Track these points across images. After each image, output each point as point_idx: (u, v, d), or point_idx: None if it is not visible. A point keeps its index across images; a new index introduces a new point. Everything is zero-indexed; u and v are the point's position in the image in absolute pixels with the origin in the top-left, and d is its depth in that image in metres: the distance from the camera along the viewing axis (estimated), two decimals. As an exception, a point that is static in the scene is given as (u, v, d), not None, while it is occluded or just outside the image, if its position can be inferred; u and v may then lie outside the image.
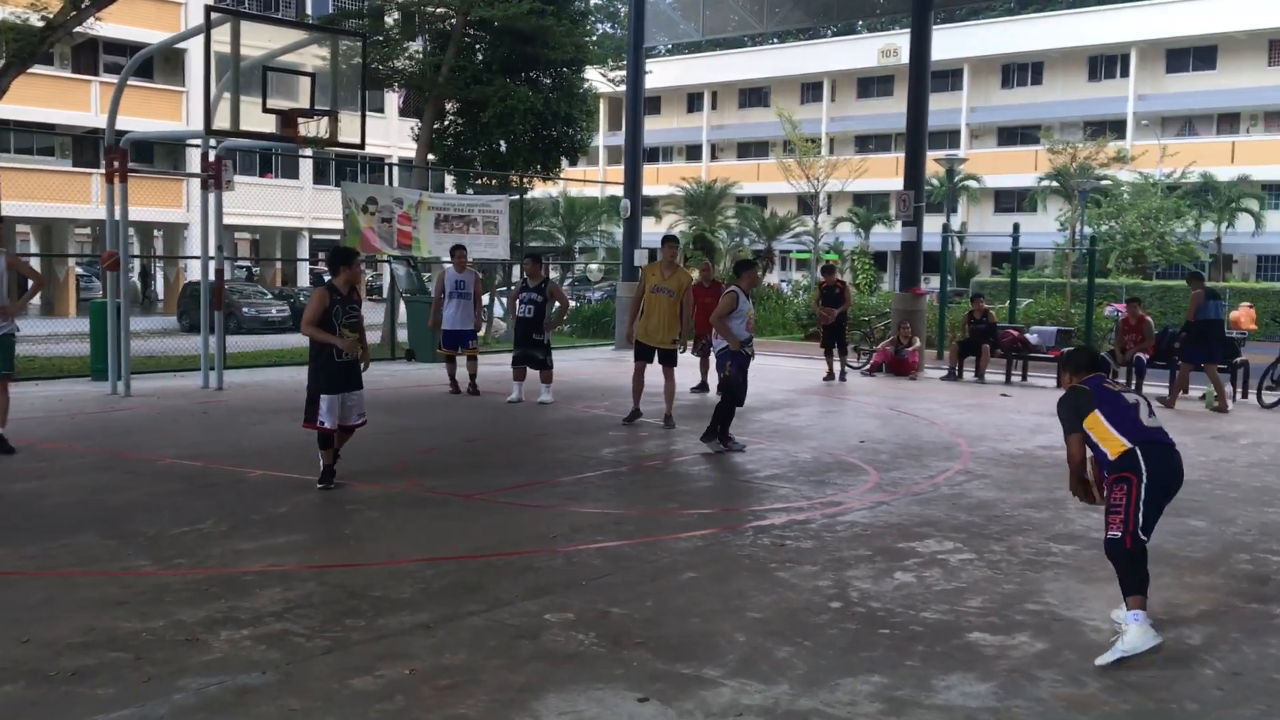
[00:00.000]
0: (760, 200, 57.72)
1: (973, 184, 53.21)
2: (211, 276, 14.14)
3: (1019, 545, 7.04)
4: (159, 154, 40.69)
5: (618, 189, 26.11)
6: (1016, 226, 21.47)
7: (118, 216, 13.16)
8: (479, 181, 25.67)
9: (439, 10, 24.96)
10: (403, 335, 19.97)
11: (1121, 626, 5.11)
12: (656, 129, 67.72)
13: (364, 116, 12.53)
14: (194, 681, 4.54)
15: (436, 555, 6.53)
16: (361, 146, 12.47)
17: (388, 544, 6.84)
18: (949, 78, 57.75)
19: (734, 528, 7.37)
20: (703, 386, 15.03)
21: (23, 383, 14.00)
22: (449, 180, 28.57)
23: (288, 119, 11.82)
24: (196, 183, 38.28)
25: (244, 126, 11.49)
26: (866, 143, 59.14)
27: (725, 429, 10.22)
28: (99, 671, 4.63)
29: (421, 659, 4.85)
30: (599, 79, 27.65)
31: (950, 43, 56.07)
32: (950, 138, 57.06)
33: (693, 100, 66.14)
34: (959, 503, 8.31)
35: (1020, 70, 56.44)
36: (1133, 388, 15.82)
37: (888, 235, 47.82)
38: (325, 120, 12.15)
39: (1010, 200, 55.31)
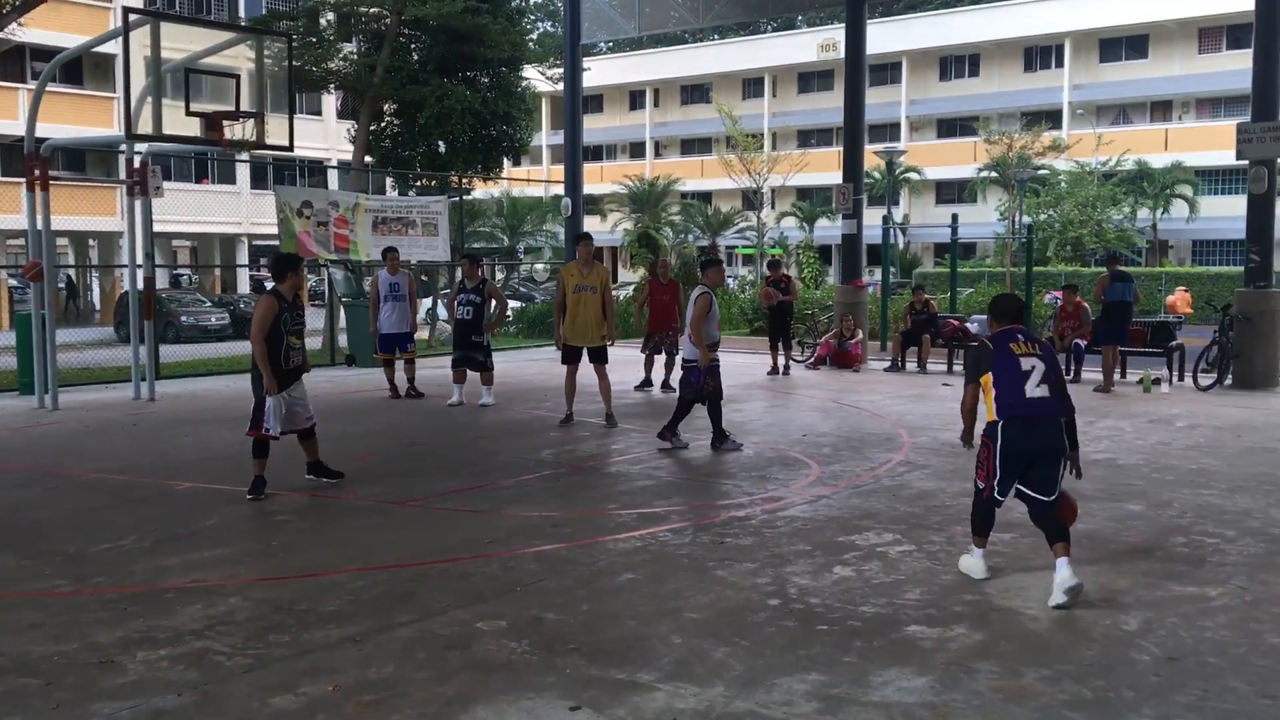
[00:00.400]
0: (705, 197, 57.82)
1: (914, 176, 53.66)
2: (141, 285, 13.79)
3: (958, 535, 7.00)
4: (92, 161, 39.89)
5: (560, 188, 25.96)
6: (955, 217, 21.59)
7: (40, 226, 12.79)
8: (419, 183, 25.36)
9: (373, 10, 24.66)
10: (342, 340, 19.68)
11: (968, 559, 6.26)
12: (599, 127, 67.69)
13: (292, 118, 12.30)
14: (105, 707, 4.36)
15: (368, 565, 6.37)
16: (290, 149, 12.22)
17: (318, 555, 6.66)
18: (888, 71, 58.21)
19: (673, 527, 7.28)
20: (647, 383, 14.94)
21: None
22: (389, 183, 28.26)
23: (213, 122, 11.57)
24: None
25: (168, 130, 11.21)
26: (809, 137, 59.44)
27: (674, 427, 10.25)
28: (4, 701, 4.44)
29: (347, 674, 4.70)
30: (539, 78, 27.50)
31: (888, 36, 56.51)
32: (890, 130, 57.47)
33: (635, 98, 66.09)
34: (899, 494, 8.28)
35: (958, 62, 56.97)
36: (1071, 374, 16.05)
37: (832, 229, 47.94)
38: (252, 123, 11.91)
39: (951, 191, 55.85)
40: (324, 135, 42.73)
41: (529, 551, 6.66)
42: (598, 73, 66.73)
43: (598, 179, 56.05)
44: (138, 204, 13.59)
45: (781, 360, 16.91)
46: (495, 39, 23.83)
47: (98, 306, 42.07)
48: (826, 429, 11.50)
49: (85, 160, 40.15)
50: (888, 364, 17.83)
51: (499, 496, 8.26)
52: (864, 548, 6.74)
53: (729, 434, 10.35)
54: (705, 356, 10.08)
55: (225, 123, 11.70)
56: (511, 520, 7.48)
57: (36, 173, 12.48)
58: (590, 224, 55.97)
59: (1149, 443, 10.58)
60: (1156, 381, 15.03)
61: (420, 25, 24.27)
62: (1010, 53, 54.88)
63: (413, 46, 24.96)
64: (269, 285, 8.62)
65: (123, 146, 13.27)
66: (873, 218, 47.96)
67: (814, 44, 56.93)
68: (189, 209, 34.31)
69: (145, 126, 11.15)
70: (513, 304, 32.86)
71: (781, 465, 9.46)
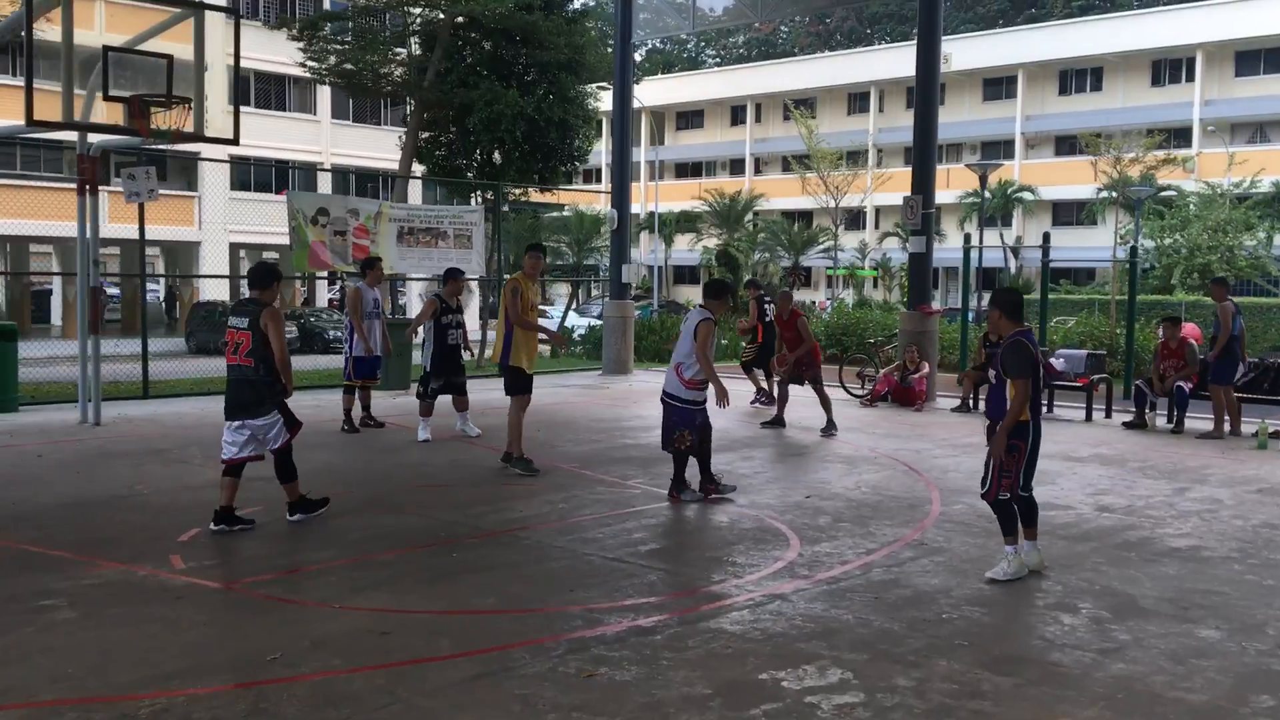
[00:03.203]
0: (806, 215, 55.36)
1: (1027, 196, 50.48)
2: (66, 293, 12.35)
3: (935, 677, 4.87)
4: (174, 169, 39.62)
5: (641, 206, 24.08)
6: (1046, 236, 19.06)
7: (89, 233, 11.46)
8: (477, 197, 23.75)
9: (419, 10, 23.26)
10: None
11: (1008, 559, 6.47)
12: (699, 143, 66.03)
13: (238, 109, 10.75)
14: None
15: (86, 694, 4.55)
16: (235, 142, 10.66)
17: (41, 667, 4.87)
18: (1002, 85, 55.21)
19: (541, 642, 5.29)
20: (780, 420, 13.18)
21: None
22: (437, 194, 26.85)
23: (138, 109, 10.00)
24: (210, 201, 37.53)
25: (79, 117, 9.66)
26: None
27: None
28: None
29: None
30: (602, 88, 25.71)
31: (1003, 49, 53.61)
32: (1004, 147, 54.37)
33: (736, 112, 64.02)
34: (885, 596, 6.14)
35: (1079, 76, 53.55)
36: (1174, 422, 13.52)
37: (940, 251, 45.30)
38: (187, 111, 10.33)
39: (1070, 213, 52.44)
40: (316, 138, 41.71)
41: (309, 679, 4.75)
42: (699, 87, 65.19)
43: (694, 195, 54.22)
44: (87, 203, 12.04)
45: (764, 385, 15.39)
46: (550, 40, 22.16)
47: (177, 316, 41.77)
48: (841, 488, 9.34)
49: (168, 169, 39.94)
50: (957, 404, 15.48)
51: (359, 579, 6.38)
52: (789, 696, 4.66)
53: (689, 485, 8.72)
54: (721, 388, 8.52)
55: (154, 110, 10.10)
56: (337, 620, 5.59)
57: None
58: (681, 243, 54.33)
59: (1251, 524, 8.17)
60: (1276, 435, 12.44)
61: (473, 25, 22.77)
62: (1136, 66, 51.33)
63: (465, 50, 23.43)
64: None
65: (93, 139, 11.76)
66: (987, 238, 45.26)
67: (924, 56, 54.13)
68: (262, 219, 33.44)
69: (50, 113, 9.61)
70: (581, 323, 31.25)
71: (753, 541, 7.37)
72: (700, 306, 8.84)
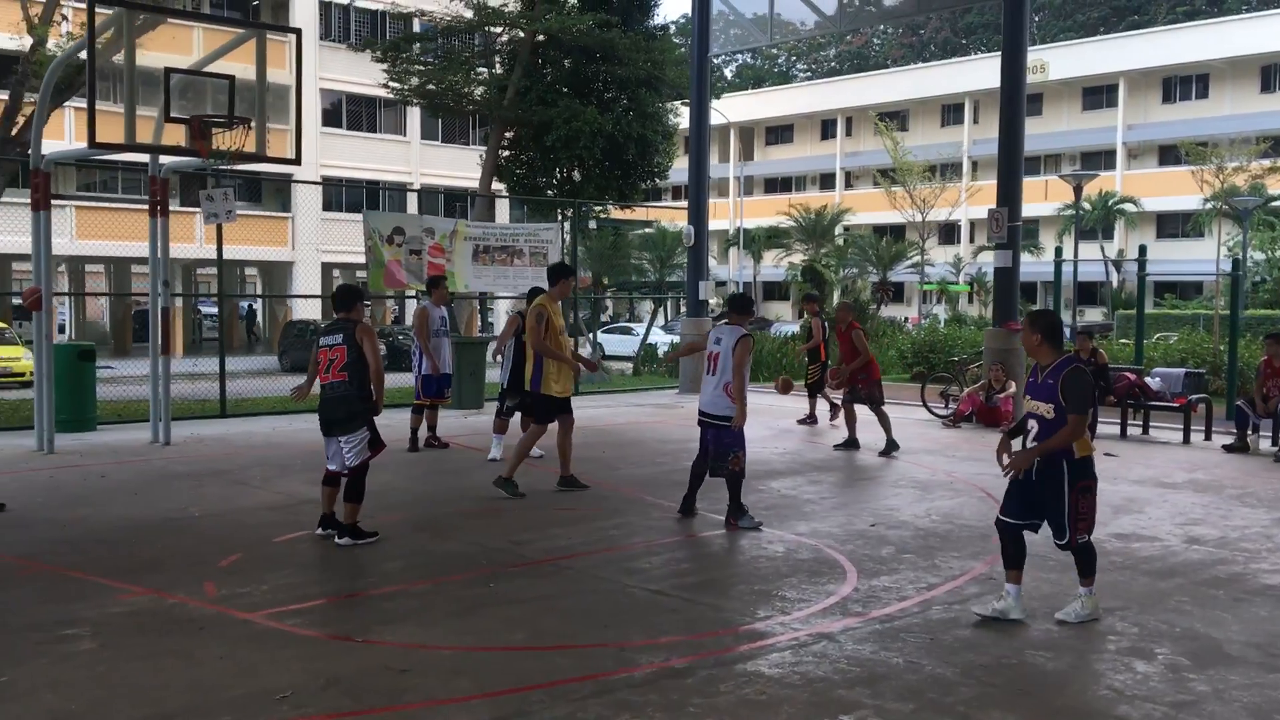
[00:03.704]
0: (897, 230, 54.37)
1: (1130, 207, 48.83)
2: (169, 313, 12.45)
3: (986, 734, 4.45)
4: (268, 192, 40.48)
5: (725, 222, 23.77)
6: (1142, 249, 18.23)
7: (159, 253, 11.64)
8: (559, 214, 23.68)
9: (505, 30, 23.34)
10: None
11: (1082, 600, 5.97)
12: (789, 157, 65.47)
13: (299, 127, 10.66)
14: None
15: (82, 728, 4.38)
16: (296, 161, 10.60)
17: (43, 703, 4.72)
18: (1103, 93, 53.68)
19: (565, 682, 4.98)
20: (853, 442, 12.73)
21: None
22: (509, 212, 26.88)
23: (198, 130, 10.01)
24: (303, 221, 38.19)
25: (141, 139, 9.70)
26: (1013, 166, 55.11)
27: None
28: None
29: None
30: (685, 108, 25.49)
31: (1103, 57, 52.09)
32: (1105, 158, 52.79)
33: (826, 126, 63.30)
34: (942, 637, 5.70)
35: (1183, 83, 51.75)
36: (1277, 447, 12.68)
37: (1036, 265, 44.09)
38: (248, 131, 10.31)
39: (1174, 224, 50.65)
40: (406, 159, 42.02)
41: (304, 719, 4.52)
42: (788, 101, 64.66)
43: (784, 210, 53.63)
44: (158, 224, 12.13)
45: (822, 407, 15.21)
46: (629, 56, 22.03)
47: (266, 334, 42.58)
48: (909, 515, 8.87)
49: (262, 191, 40.82)
50: (1045, 424, 14.77)
51: (387, 610, 6.16)
52: (819, 750, 4.28)
53: (746, 510, 8.47)
54: (743, 413, 8.28)
55: (215, 130, 10.11)
56: (360, 655, 5.36)
57: (39, 190, 11.22)
58: (769, 258, 53.70)
59: (1357, 560, 7.50)
60: (1391, 460, 11.59)
61: (552, 43, 22.76)
62: (1245, 71, 49.43)
63: (545, 68, 23.41)
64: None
65: (163, 161, 11.87)
66: (1088, 251, 43.93)
67: (1020, 66, 52.80)
68: (353, 239, 33.91)
69: (114, 135, 9.65)
70: (665, 339, 30.94)
71: (807, 574, 6.97)
72: (727, 322, 8.59)
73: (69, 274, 42.90)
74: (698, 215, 19.59)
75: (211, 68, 10.68)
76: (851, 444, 12.65)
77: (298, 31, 10.95)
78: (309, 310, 35.79)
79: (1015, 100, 15.75)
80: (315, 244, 37.52)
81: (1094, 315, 49.47)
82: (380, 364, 7.61)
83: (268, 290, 44.06)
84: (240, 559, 7.18)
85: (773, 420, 15.29)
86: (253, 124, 10.33)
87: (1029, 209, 51.40)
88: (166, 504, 9.01)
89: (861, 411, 12.73)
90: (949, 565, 7.22)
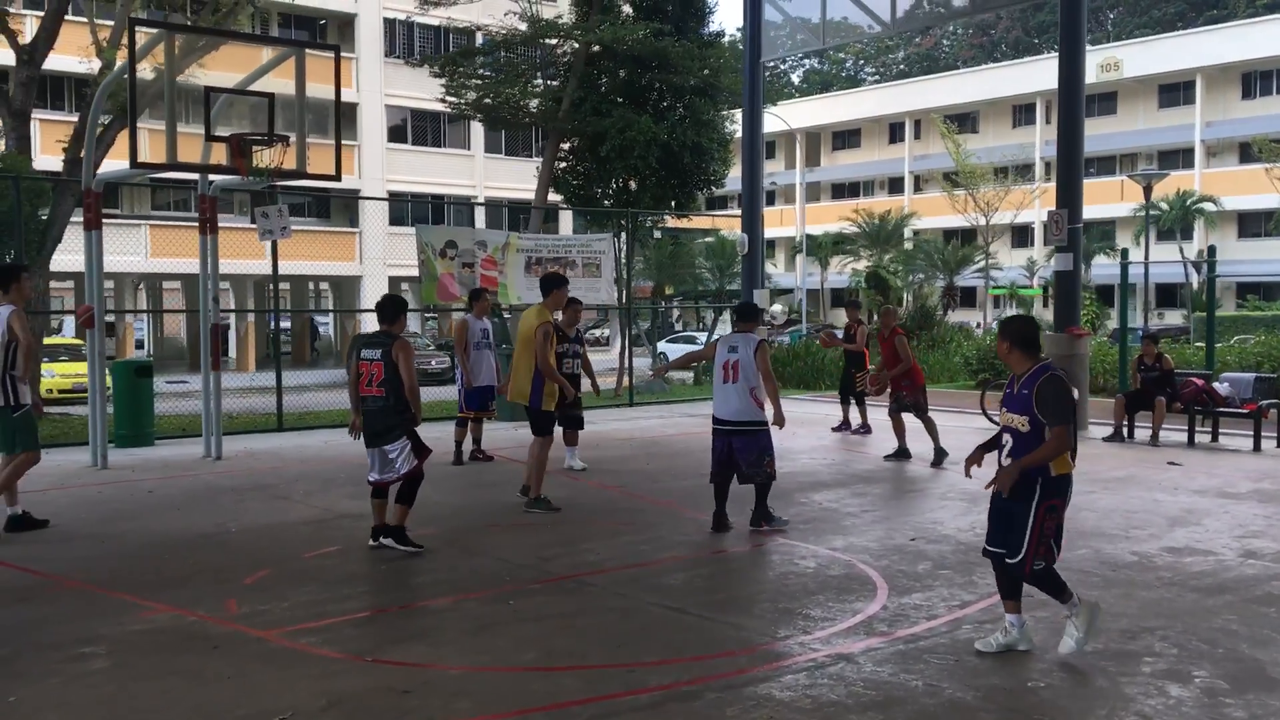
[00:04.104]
0: (968, 234, 53.51)
1: (1209, 207, 47.45)
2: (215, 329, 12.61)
3: (998, 763, 4.24)
4: (336, 208, 41.08)
5: (791, 230, 23.60)
6: (1212, 250, 17.71)
7: (209, 270, 11.84)
8: (615, 225, 23.63)
9: (555, 41, 23.38)
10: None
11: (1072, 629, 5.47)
12: (856, 162, 64.83)
13: (339, 144, 10.72)
14: None
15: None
16: (337, 178, 10.64)
17: (47, 722, 4.74)
18: (1179, 90, 52.28)
19: (567, 704, 4.86)
20: (904, 452, 12.50)
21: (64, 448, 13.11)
22: (571, 223, 26.90)
23: (237, 148, 10.11)
24: (370, 236, 38.69)
25: (183, 158, 9.82)
26: (1088, 165, 53.34)
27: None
28: None
29: None
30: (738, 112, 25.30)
31: (1180, 53, 50.78)
32: (1183, 156, 51.39)
33: (894, 130, 62.54)
34: (966, 660, 5.48)
35: (1264, 78, 50.17)
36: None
37: (1112, 266, 43.00)
38: (288, 149, 10.39)
39: (1257, 223, 49.13)
40: (470, 172, 42.22)
41: (307, 744, 4.46)
42: (854, 106, 64.05)
43: (852, 216, 53.08)
44: (207, 241, 12.29)
45: (854, 416, 14.82)
46: (683, 64, 21.91)
47: (337, 349, 43.17)
48: (954, 529, 8.62)
49: (330, 206, 41.45)
50: (1109, 432, 14.36)
51: (402, 627, 6.12)
52: (819, 779, 4.11)
53: (772, 511, 8.63)
54: (781, 413, 8.48)
55: (255, 149, 10.21)
56: (366, 675, 5.30)
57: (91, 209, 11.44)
58: (836, 264, 53.16)
59: None
60: None
61: (607, 54, 22.73)
62: (1329, 64, 47.81)
63: (600, 78, 23.38)
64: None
65: (213, 179, 12.04)
66: (1164, 253, 42.74)
67: (1093, 63, 51.58)
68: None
69: (155, 155, 9.80)
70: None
71: (836, 590, 6.78)
72: (737, 330, 8.70)
73: (147, 291, 44.02)
74: (752, 223, 19.40)
75: (260, 85, 10.77)
76: (902, 454, 12.38)
77: (336, 48, 10.99)
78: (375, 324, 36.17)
79: (1074, 99, 15.35)
80: (382, 258, 38.00)
81: (1174, 318, 48.21)
82: (414, 380, 7.71)
83: (338, 304, 44.73)
84: (267, 575, 7.19)
85: (821, 429, 15.06)
86: (292, 140, 10.38)
87: (1104, 210, 50.60)
88: (205, 519, 9.09)
89: (912, 421, 12.44)
90: (986, 582, 6.94)
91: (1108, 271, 45.34)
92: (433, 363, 31.57)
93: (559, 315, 10.23)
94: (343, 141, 10.66)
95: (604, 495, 10.25)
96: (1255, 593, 6.72)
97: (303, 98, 10.52)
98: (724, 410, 8.43)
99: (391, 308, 7.95)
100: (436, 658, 5.55)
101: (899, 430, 12.45)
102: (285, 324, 44.90)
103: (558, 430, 11.47)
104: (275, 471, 11.65)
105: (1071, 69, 15.30)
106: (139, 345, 43.66)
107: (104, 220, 11.75)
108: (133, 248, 33.50)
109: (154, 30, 10.09)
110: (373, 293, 38.44)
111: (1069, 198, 15.20)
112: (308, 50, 10.56)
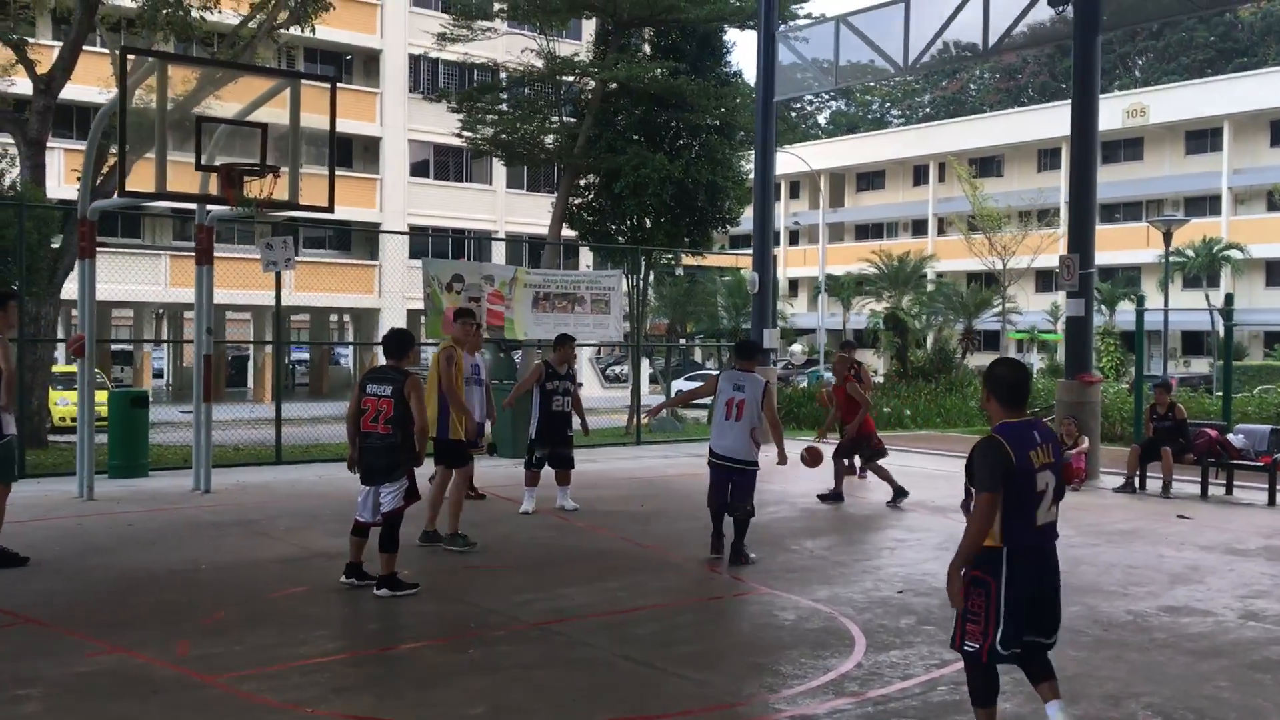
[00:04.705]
0: (991, 278, 53.07)
1: (1236, 254, 46.92)
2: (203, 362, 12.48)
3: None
4: (357, 241, 41.20)
5: (804, 269, 23.37)
6: (1229, 298, 17.44)
7: (205, 299, 11.77)
8: (636, 259, 23.49)
9: (577, 79, 23.39)
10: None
11: None
12: (880, 203, 64.66)
13: (333, 176, 10.60)
14: None
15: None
16: (330, 209, 10.52)
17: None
18: (1207, 137, 51.90)
19: (504, 766, 4.62)
20: (837, 495, 12.41)
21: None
22: (587, 259, 26.80)
23: (226, 178, 10.02)
24: (390, 269, 38.79)
25: (172, 187, 9.74)
26: (1113, 211, 53.42)
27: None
28: None
29: None
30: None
31: (1207, 99, 50.48)
32: (1210, 203, 50.97)
33: (919, 173, 62.37)
34: (936, 725, 5.20)
35: (1293, 126, 49.75)
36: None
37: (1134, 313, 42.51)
38: (279, 180, 10.30)
39: (1286, 272, 48.60)
40: (492, 208, 42.27)
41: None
42: (879, 147, 63.97)
43: (864, 258, 52.82)
44: (203, 271, 12.18)
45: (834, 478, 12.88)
46: (699, 103, 21.84)
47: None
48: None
49: (351, 239, 41.58)
50: (1120, 482, 13.99)
51: (351, 676, 5.89)
52: None
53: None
54: (784, 454, 9.11)
55: (246, 179, 10.12)
56: (303, 726, 5.08)
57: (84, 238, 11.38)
58: (858, 305, 52.86)
59: None
60: None
61: (623, 91, 22.69)
62: (1360, 112, 47.34)
63: (618, 117, 23.34)
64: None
65: (210, 209, 11.97)
66: (1191, 300, 42.23)
67: (1119, 109, 51.39)
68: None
69: (143, 183, 9.70)
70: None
71: (812, 645, 6.50)
72: (738, 369, 8.90)
73: (167, 321, 44.23)
74: (762, 261, 19.22)
75: (262, 116, 10.69)
76: (836, 497, 12.28)
77: (333, 80, 10.91)
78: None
79: (1087, 143, 15.12)
80: (400, 291, 38.02)
81: (1200, 366, 47.54)
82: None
83: (358, 337, 44.79)
84: (226, 616, 6.97)
85: (824, 473, 14.75)
86: (283, 171, 10.29)
87: (1130, 255, 50.16)
88: (178, 555, 8.90)
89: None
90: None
91: (1132, 318, 44.88)
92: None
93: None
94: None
95: (591, 537, 10.00)
96: (1252, 657, 6.39)
97: (297, 128, 10.44)
98: (721, 445, 8.76)
99: (396, 342, 7.77)
100: (380, 709, 5.32)
101: (839, 475, 12.48)
102: (304, 355, 44.91)
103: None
104: (261, 506, 11.46)
105: (1084, 114, 15.07)
106: (157, 375, 43.81)
107: (125, 250, 11.72)
108: (153, 277, 33.72)
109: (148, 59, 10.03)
110: (390, 325, 38.53)
111: (1081, 243, 14.92)
112: (306, 81, 10.49)
